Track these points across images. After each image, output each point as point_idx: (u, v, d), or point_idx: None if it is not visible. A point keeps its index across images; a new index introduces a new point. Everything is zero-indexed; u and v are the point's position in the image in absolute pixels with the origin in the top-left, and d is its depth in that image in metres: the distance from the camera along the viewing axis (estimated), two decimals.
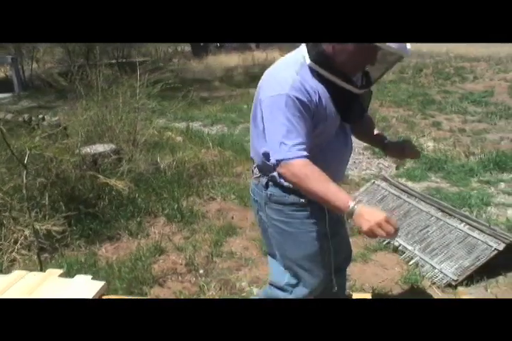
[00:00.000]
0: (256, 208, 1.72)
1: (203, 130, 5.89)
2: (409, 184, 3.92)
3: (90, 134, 4.35)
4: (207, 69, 12.30)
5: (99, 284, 1.53)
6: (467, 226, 2.81)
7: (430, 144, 5.18)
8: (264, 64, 11.68)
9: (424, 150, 4.94)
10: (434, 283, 2.63)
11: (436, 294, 2.53)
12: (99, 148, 4.05)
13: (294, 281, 1.68)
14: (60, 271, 1.71)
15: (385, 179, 3.55)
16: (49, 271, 1.74)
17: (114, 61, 11.31)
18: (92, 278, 1.62)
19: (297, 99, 1.37)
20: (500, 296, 2.60)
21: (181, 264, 2.96)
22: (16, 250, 3.09)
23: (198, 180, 4.12)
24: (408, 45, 1.37)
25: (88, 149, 3.97)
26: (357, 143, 5.21)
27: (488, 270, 2.67)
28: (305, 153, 1.38)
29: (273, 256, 1.79)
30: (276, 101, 1.38)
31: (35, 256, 2.77)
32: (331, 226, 1.58)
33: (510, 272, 2.80)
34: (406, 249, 2.85)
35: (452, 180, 4.18)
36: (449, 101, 7.51)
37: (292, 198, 1.55)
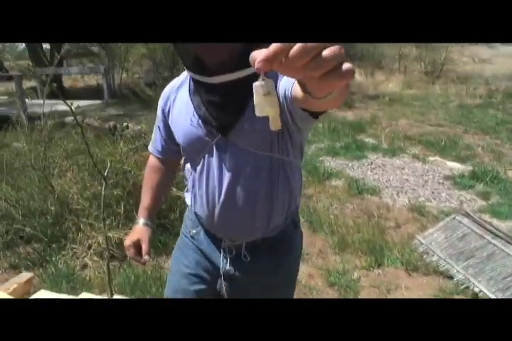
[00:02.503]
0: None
1: None
2: (495, 222, 3.62)
3: None
4: None
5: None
6: None
7: None
8: None
9: None
10: None
11: None
12: None
13: None
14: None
15: (467, 215, 3.30)
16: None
17: None
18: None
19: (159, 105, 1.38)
20: None
21: None
22: (88, 255, 3.21)
23: None
24: None
25: None
26: (436, 172, 4.99)
27: None
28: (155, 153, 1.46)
29: None
30: None
31: (105, 264, 2.85)
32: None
33: None
34: (487, 296, 2.61)
35: None
36: None
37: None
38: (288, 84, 1.02)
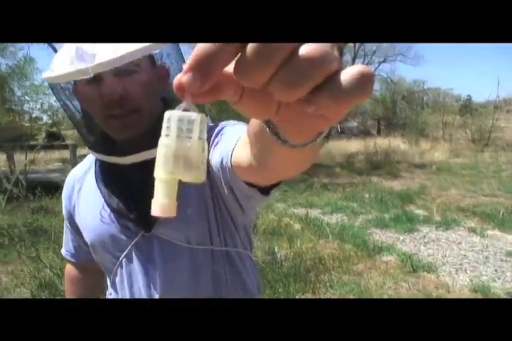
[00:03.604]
0: None
1: (322, 218, 5.70)
2: None
3: None
4: (327, 155, 12.38)
5: None
6: None
7: None
8: (387, 151, 11.45)
9: None
10: None
11: None
12: None
13: None
14: None
15: None
16: None
17: None
18: None
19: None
20: None
21: None
22: None
23: (315, 275, 3.86)
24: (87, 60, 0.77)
25: None
26: (497, 247, 4.65)
27: None
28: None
29: None
30: None
31: None
32: None
33: None
34: None
35: None
36: None
37: None
38: (227, 148, 0.75)
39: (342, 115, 0.32)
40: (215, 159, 0.81)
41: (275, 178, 0.66)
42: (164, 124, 0.33)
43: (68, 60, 0.79)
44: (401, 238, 5.01)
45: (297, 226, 5.32)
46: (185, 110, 0.32)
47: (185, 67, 0.30)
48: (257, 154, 0.56)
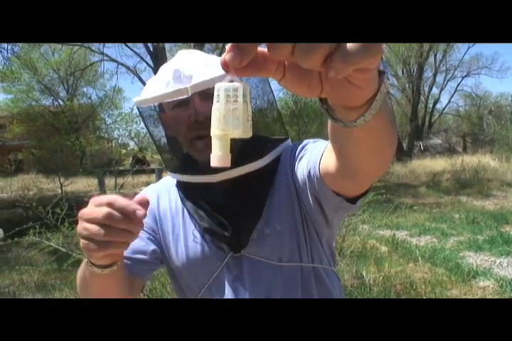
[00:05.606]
0: None
1: (410, 240, 5.50)
2: None
3: None
4: (411, 174, 11.96)
5: None
6: None
7: None
8: (476, 169, 10.85)
9: None
10: None
11: None
12: None
13: None
14: None
15: None
16: None
17: None
18: None
19: None
20: None
21: None
22: None
23: None
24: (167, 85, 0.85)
25: None
26: None
27: None
28: None
29: None
30: None
31: None
32: None
33: None
34: None
35: None
36: None
37: None
38: (314, 159, 0.77)
39: (368, 82, 0.40)
40: (300, 172, 0.83)
41: (362, 178, 0.68)
42: (215, 93, 0.41)
43: (164, 82, 0.86)
44: (497, 261, 4.70)
45: (384, 248, 5.18)
46: (230, 81, 0.40)
47: (227, 47, 0.38)
48: (337, 151, 0.61)
